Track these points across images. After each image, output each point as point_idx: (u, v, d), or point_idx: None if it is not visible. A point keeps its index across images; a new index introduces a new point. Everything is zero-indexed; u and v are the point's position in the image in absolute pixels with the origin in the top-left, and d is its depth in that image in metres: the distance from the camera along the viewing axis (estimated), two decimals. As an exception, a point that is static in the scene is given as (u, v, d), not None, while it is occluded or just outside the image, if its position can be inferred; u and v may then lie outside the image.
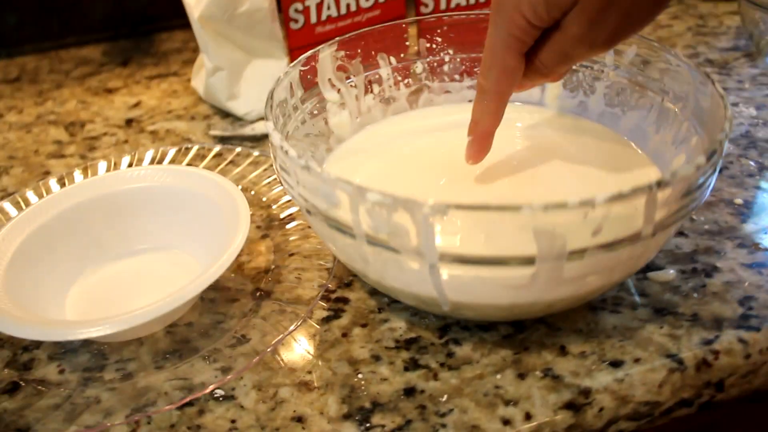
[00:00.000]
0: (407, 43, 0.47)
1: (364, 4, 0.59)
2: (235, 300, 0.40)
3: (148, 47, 0.76)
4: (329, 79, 0.44)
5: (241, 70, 0.59)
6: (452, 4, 0.61)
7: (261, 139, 0.56)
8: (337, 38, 0.44)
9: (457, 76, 0.48)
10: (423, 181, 0.40)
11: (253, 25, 0.57)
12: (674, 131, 0.39)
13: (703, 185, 0.30)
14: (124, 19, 0.78)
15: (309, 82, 0.43)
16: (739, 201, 0.44)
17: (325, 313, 0.39)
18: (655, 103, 0.41)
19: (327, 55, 0.43)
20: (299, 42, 0.59)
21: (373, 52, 0.46)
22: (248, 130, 0.56)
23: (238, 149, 0.52)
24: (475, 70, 0.48)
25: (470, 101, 0.48)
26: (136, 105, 0.64)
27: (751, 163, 0.48)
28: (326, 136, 0.44)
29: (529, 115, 0.46)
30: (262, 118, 0.59)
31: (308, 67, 0.42)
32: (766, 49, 0.62)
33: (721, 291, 0.38)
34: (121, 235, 0.43)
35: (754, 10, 0.60)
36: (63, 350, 0.37)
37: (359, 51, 0.45)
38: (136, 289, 0.41)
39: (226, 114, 0.60)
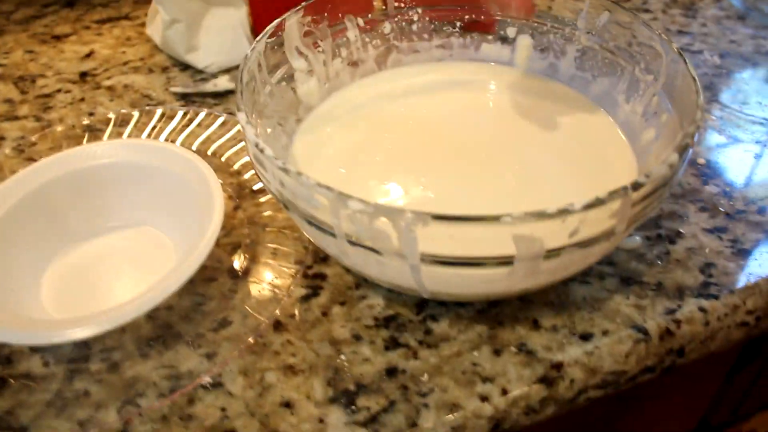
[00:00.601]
0: (374, 3, 0.45)
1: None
2: (212, 279, 0.40)
3: (94, -16, 0.71)
4: (296, 47, 0.42)
5: (199, 20, 0.56)
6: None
7: (224, 95, 0.54)
8: (303, 3, 0.42)
9: (425, 35, 0.47)
10: (397, 154, 0.40)
11: (209, -27, 0.54)
12: (644, 103, 0.39)
13: (674, 179, 0.31)
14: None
15: (275, 52, 0.41)
16: (701, 161, 0.45)
17: (303, 291, 0.39)
18: (626, 72, 0.41)
19: (293, 23, 0.42)
20: (259, -12, 0.56)
21: (339, 15, 0.44)
22: (210, 86, 0.54)
23: (203, 113, 0.51)
24: (444, 28, 0.47)
25: (439, 60, 0.47)
26: (89, 55, 0.61)
27: (713, 117, 0.49)
28: (295, 107, 0.43)
29: (500, 77, 0.46)
30: (223, 71, 0.57)
31: (274, 38, 0.40)
32: (732, -12, 0.62)
33: (683, 258, 0.40)
34: (91, 213, 0.43)
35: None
36: (45, 340, 0.37)
37: (326, 15, 0.44)
38: (113, 271, 0.41)
39: (185, 66, 0.58)
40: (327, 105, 0.44)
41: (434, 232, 0.27)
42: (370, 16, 0.46)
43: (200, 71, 0.57)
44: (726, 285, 0.38)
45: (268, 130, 0.39)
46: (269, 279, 0.40)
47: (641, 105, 0.40)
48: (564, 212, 0.27)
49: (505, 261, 0.29)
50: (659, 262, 0.39)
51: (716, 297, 0.38)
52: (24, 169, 0.42)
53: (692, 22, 0.60)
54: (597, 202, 0.28)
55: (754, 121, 0.48)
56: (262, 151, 0.31)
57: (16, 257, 0.39)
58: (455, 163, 0.39)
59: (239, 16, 0.57)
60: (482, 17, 0.46)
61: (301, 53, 0.43)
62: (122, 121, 0.52)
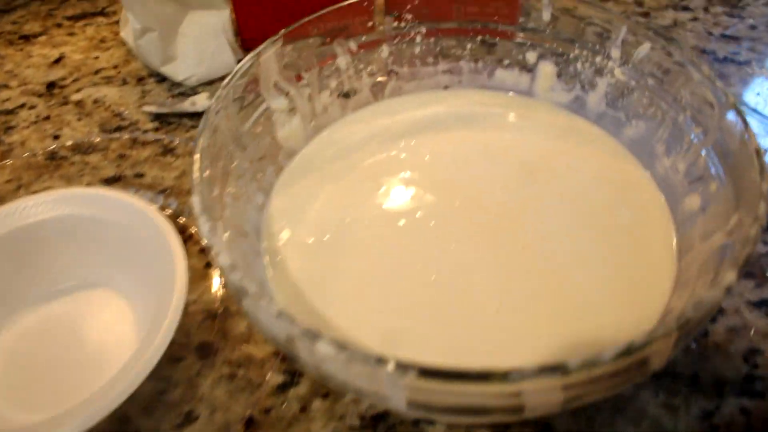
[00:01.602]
0: (369, 24, 0.38)
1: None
2: (179, 359, 0.35)
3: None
4: (275, 83, 0.36)
5: (176, 26, 0.49)
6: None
7: (203, 115, 0.48)
8: (282, 31, 0.35)
9: (430, 59, 0.40)
10: (391, 218, 0.34)
11: (184, -27, 0.47)
12: (688, 161, 0.33)
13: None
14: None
15: (249, 91, 0.35)
16: (751, 212, 0.39)
17: (280, 378, 0.34)
18: (668, 118, 0.34)
19: (270, 56, 0.35)
20: (243, -12, 0.49)
21: (328, 39, 0.38)
22: (188, 105, 0.48)
23: (177, 141, 0.45)
24: (452, 51, 0.40)
25: (446, 88, 0.41)
26: (58, 61, 0.55)
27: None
28: (274, 154, 0.36)
29: (516, 110, 0.39)
30: (204, 84, 0.51)
31: (246, 78, 0.34)
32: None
33: (723, 341, 0.34)
34: (41, 273, 0.37)
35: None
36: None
37: (310, 41, 0.37)
38: (66, 345, 0.36)
39: (162, 77, 0.52)
40: (312, 147, 0.38)
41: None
42: (364, 38, 0.39)
43: (179, 83, 0.51)
44: (777, 380, 0.32)
45: (233, 199, 0.33)
46: (243, 361, 0.34)
47: (684, 162, 0.33)
48: (590, 365, 0.21)
49: (515, 409, 0.23)
50: (694, 346, 0.33)
51: (762, 395, 0.32)
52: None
53: (738, 23, 0.52)
54: (631, 350, 0.22)
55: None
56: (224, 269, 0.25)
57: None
58: (462, 230, 0.33)
59: (221, 20, 0.50)
60: (497, 38, 0.39)
61: (280, 90, 0.36)
62: (87, 148, 0.46)
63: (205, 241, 0.26)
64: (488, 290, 0.30)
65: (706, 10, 0.54)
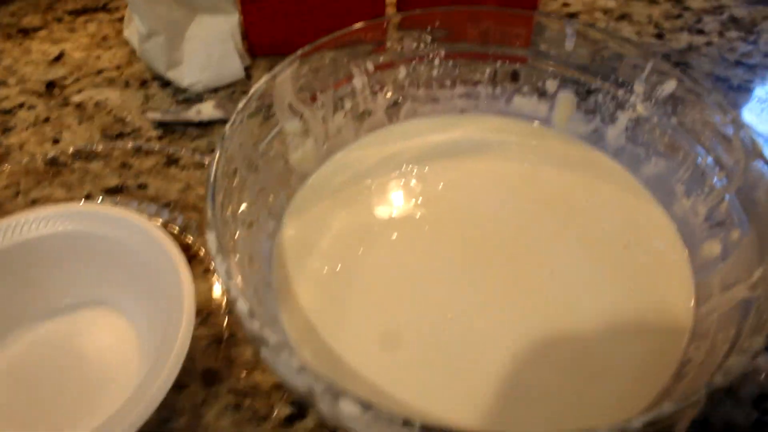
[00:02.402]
0: (388, 45, 0.38)
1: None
2: (183, 386, 0.34)
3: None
4: (289, 105, 0.35)
5: (183, 31, 0.48)
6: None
7: (209, 125, 0.47)
8: (299, 51, 0.34)
9: (447, 82, 0.39)
10: (405, 249, 0.33)
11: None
12: (709, 205, 0.32)
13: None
14: None
15: (263, 113, 0.34)
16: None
17: (287, 410, 0.33)
18: (689, 159, 0.33)
19: (286, 77, 0.34)
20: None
21: (345, 59, 0.37)
22: (193, 114, 0.47)
23: (183, 152, 0.43)
24: (471, 75, 0.39)
25: (462, 112, 0.40)
26: (59, 58, 0.53)
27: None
28: (286, 179, 0.35)
29: (532, 139, 0.39)
30: (210, 91, 0.49)
31: (261, 100, 0.33)
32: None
33: (734, 386, 0.33)
34: (39, 291, 0.36)
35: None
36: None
37: (327, 62, 0.36)
38: (69, 364, 0.35)
39: (166, 81, 0.50)
40: (325, 171, 0.37)
41: None
42: (381, 59, 0.38)
43: (184, 89, 0.49)
44: (788, 428, 0.32)
45: (245, 227, 0.32)
46: (249, 390, 0.34)
47: (705, 206, 0.32)
48: (619, 435, 0.21)
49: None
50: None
51: (775, 445, 0.32)
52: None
53: (753, 51, 0.51)
54: (661, 418, 0.21)
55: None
56: (245, 313, 0.24)
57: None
58: (476, 267, 0.32)
59: (230, 24, 0.49)
60: (518, 63, 0.39)
61: (294, 111, 0.35)
62: (89, 154, 0.45)
63: (221, 283, 0.25)
64: (501, 335, 0.29)
65: (720, 34, 0.53)
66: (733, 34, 0.53)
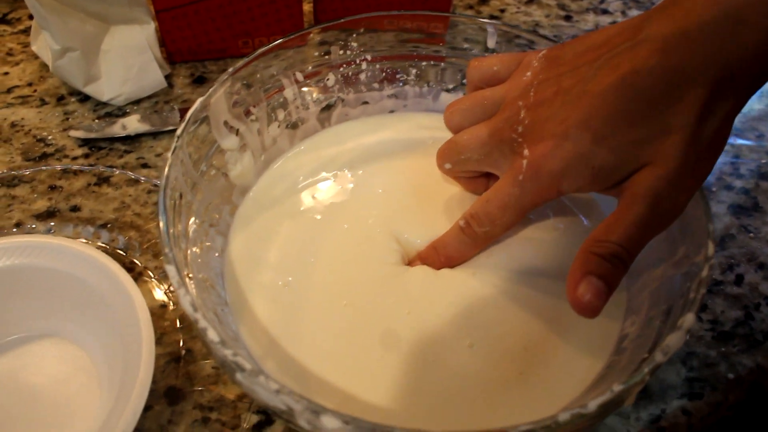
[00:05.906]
0: (315, 54, 0.38)
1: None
2: (148, 408, 0.35)
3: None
4: (225, 122, 0.35)
5: (98, 44, 0.47)
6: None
7: (136, 138, 0.46)
8: (230, 69, 0.35)
9: (375, 85, 0.41)
10: (352, 255, 0.35)
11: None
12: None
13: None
14: None
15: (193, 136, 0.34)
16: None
17: (255, 418, 0.34)
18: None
19: (220, 96, 0.34)
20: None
21: (274, 73, 0.37)
22: (119, 129, 0.46)
23: (116, 172, 0.43)
24: (398, 76, 0.40)
25: (391, 111, 0.41)
26: (-38, 79, 0.50)
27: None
28: (227, 195, 0.36)
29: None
30: (133, 103, 0.49)
31: (198, 123, 0.33)
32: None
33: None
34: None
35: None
36: None
37: (258, 76, 0.36)
38: (23, 400, 0.34)
39: (85, 95, 0.49)
40: (264, 183, 0.38)
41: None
42: (310, 68, 0.38)
43: (104, 102, 0.48)
44: (709, 380, 0.36)
45: (196, 249, 0.32)
46: (214, 404, 0.34)
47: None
48: (578, 417, 0.23)
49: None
50: (640, 354, 0.37)
51: (700, 396, 0.36)
52: None
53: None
54: (613, 398, 0.24)
55: None
56: (211, 338, 0.25)
57: None
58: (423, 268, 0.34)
59: (146, 34, 0.48)
60: (442, 63, 0.40)
61: (231, 128, 0.36)
62: (14, 180, 0.43)
63: (188, 314, 0.26)
64: (459, 327, 0.31)
65: (623, 13, 0.57)
66: (634, 12, 0.57)
